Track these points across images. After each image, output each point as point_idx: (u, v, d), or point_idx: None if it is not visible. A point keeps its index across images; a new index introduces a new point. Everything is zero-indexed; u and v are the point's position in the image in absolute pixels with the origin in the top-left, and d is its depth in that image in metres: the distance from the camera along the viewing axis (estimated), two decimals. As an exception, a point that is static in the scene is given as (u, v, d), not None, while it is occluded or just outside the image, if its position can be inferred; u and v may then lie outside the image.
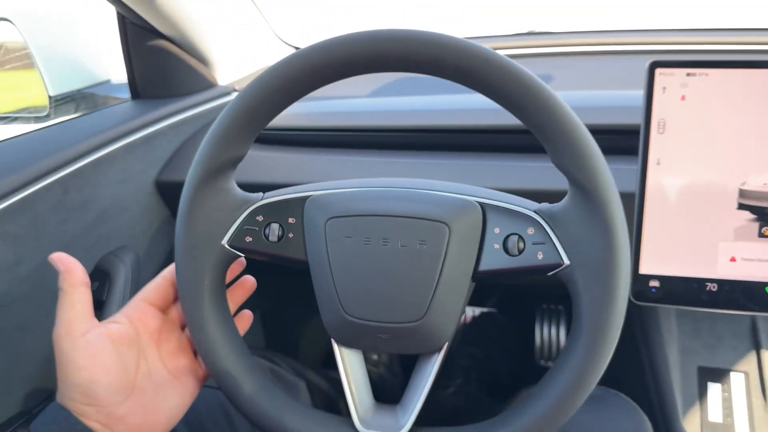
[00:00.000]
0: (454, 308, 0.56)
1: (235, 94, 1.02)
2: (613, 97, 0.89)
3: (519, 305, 1.39)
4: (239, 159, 0.58)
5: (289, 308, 1.38)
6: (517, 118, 0.53)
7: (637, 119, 0.72)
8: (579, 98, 0.90)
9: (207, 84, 1.07)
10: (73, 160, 0.82)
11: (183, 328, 0.64)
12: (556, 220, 0.55)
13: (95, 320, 0.57)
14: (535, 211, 0.56)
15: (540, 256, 0.55)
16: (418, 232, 0.55)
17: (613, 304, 0.52)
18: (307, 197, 0.59)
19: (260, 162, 0.94)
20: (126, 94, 1.05)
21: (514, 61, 0.51)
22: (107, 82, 1.09)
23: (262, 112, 0.55)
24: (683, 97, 0.71)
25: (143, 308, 0.60)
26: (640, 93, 0.72)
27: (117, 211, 0.90)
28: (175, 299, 0.64)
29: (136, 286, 0.90)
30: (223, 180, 0.59)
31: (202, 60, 1.05)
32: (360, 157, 0.92)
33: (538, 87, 0.51)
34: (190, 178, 0.58)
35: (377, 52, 0.51)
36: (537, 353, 1.36)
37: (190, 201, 0.58)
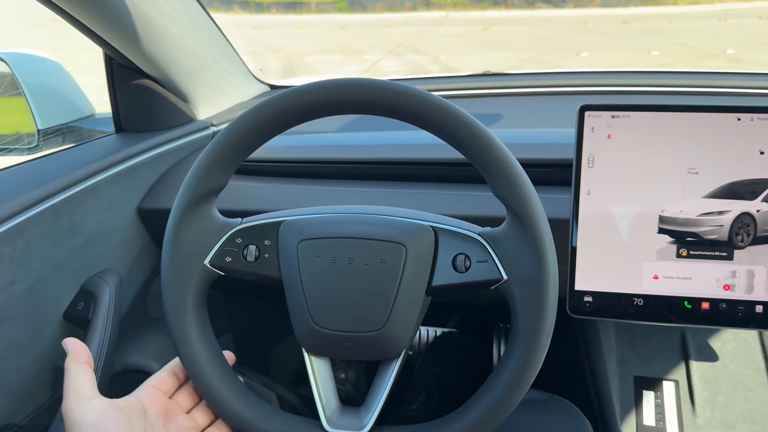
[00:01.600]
0: (411, 319, 0.63)
1: (212, 129, 1.11)
2: (550, 135, 1.00)
3: (478, 325, 1.48)
4: (221, 188, 0.66)
5: (261, 330, 1.43)
6: (461, 154, 0.62)
7: (571, 155, 0.83)
8: (521, 136, 1.01)
9: (187, 119, 1.12)
10: (63, 188, 0.86)
11: (188, 411, 0.66)
12: (496, 242, 0.63)
13: (101, 395, 0.58)
14: (479, 234, 0.63)
15: (483, 273, 0.63)
16: (378, 252, 0.61)
17: (544, 312, 0.60)
18: (281, 222, 0.65)
19: (239, 191, 1.01)
20: (109, 128, 1.11)
21: (460, 108, 0.60)
22: (91, 116, 1.15)
23: (242, 147, 0.63)
24: (609, 136, 0.82)
25: (150, 390, 0.63)
26: (572, 131, 0.82)
27: (102, 236, 0.95)
28: (179, 386, 0.67)
29: (119, 306, 0.95)
30: (206, 207, 0.67)
31: (183, 97, 1.10)
32: (328, 186, 1.00)
33: (479, 129, 0.60)
34: (176, 204, 0.65)
35: (343, 97, 0.60)
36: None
37: (176, 225, 0.65)
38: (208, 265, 0.64)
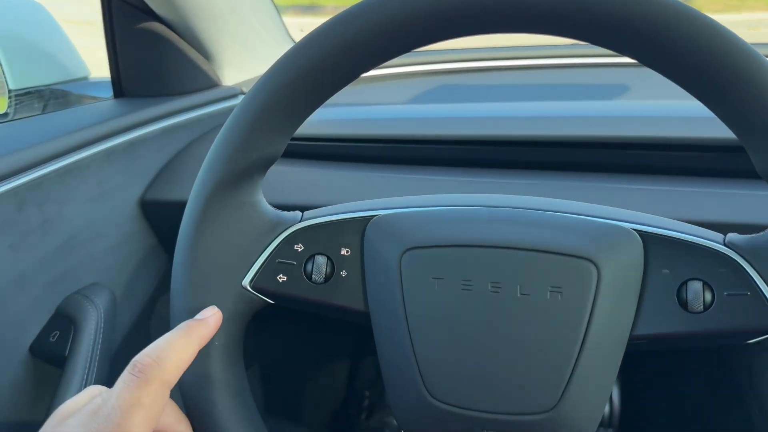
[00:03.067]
0: (602, 390, 0.41)
1: (242, 98, 0.84)
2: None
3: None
4: (271, 160, 0.43)
5: (294, 359, 1.16)
6: (704, 99, 0.37)
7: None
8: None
9: (209, 83, 0.90)
10: (32, 166, 0.63)
11: None
12: (761, 259, 0.38)
13: None
14: (725, 245, 0.40)
15: (738, 315, 0.39)
16: (549, 274, 0.40)
17: None
18: (369, 218, 0.44)
19: (282, 179, 0.75)
20: (108, 94, 0.86)
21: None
22: (85, 79, 0.89)
23: (314, 89, 0.40)
24: None
25: None
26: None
27: (89, 237, 0.72)
28: None
29: (110, 336, 0.71)
30: (248, 190, 0.43)
31: (206, 53, 0.88)
32: (423, 175, 0.72)
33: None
34: (201, 184, 0.42)
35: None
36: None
37: (199, 219, 0.42)
38: (249, 288, 0.43)
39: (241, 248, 0.43)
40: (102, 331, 0.69)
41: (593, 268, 0.39)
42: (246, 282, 0.43)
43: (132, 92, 0.84)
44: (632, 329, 0.40)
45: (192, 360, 0.37)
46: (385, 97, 0.94)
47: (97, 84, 0.90)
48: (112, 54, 0.82)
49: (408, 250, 0.41)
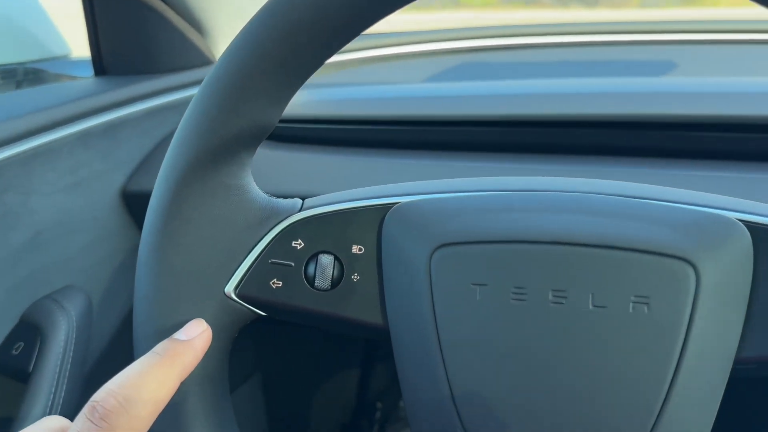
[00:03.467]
0: (700, 426, 0.31)
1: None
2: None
3: None
4: (262, 133, 0.34)
5: (298, 369, 1.06)
6: None
7: None
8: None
9: (202, 59, 0.79)
10: None
11: None
12: None
13: None
14: None
15: None
16: (632, 280, 0.30)
17: None
18: (388, 206, 0.35)
19: (275, 167, 0.65)
20: (89, 73, 0.76)
21: None
22: (64, 57, 0.79)
23: (318, 35, 0.30)
24: None
25: None
26: None
27: (61, 233, 0.62)
28: None
29: (83, 348, 0.61)
30: (233, 171, 0.34)
31: (199, 27, 0.78)
32: (447, 161, 0.62)
33: None
34: (170, 163, 0.33)
35: None
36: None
37: (169, 207, 0.33)
38: (234, 296, 0.34)
39: (224, 245, 0.33)
40: (74, 342, 0.60)
41: (690, 270, 0.30)
42: (230, 289, 0.33)
43: (114, 70, 0.75)
44: (739, 350, 0.31)
45: (170, 398, 0.28)
46: (399, 78, 0.84)
47: (79, 63, 0.81)
48: (91, 26, 0.72)
49: (440, 247, 0.32)
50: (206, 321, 0.32)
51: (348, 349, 1.05)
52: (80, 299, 0.62)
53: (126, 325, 0.71)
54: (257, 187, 0.35)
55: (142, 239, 0.34)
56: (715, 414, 0.30)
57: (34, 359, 0.58)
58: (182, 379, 0.29)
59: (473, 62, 0.87)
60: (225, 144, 0.31)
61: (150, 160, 0.70)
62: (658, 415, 0.29)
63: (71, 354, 0.59)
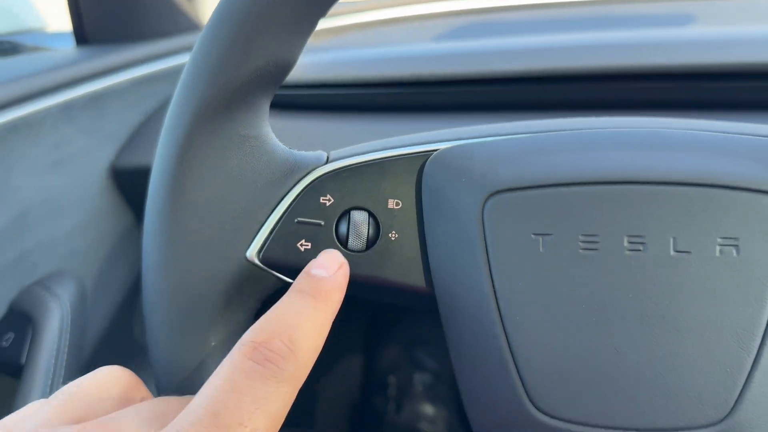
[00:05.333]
0: None
1: None
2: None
3: None
4: (281, 73, 0.30)
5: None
6: None
7: None
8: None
9: (188, 24, 0.75)
10: None
11: None
12: None
13: None
14: None
15: None
16: (718, 221, 0.27)
17: None
18: (428, 153, 0.31)
19: (287, 137, 0.59)
20: (69, 45, 0.71)
21: None
22: (40, 30, 0.74)
23: None
24: None
25: None
26: None
27: (47, 214, 0.57)
28: None
29: (79, 338, 0.57)
30: (250, 119, 0.30)
31: None
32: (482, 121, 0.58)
33: None
34: (177, 111, 0.29)
35: None
36: None
37: (178, 163, 0.29)
38: (257, 262, 0.30)
39: (243, 204, 0.29)
40: (69, 331, 0.55)
41: None
42: (252, 253, 0.29)
43: (97, 38, 0.69)
44: None
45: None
46: (406, 39, 0.79)
47: (57, 35, 0.76)
48: (69, -10, 0.67)
49: (494, 194, 0.28)
50: (227, 291, 0.28)
51: (351, 324, 1.01)
52: (72, 285, 0.58)
53: (123, 310, 0.66)
54: (276, 139, 0.31)
55: (148, 201, 0.29)
56: None
57: (26, 351, 0.53)
58: (332, 319, 0.25)
59: (481, 22, 0.82)
60: (239, 87, 0.27)
61: (140, 134, 0.65)
62: (749, 372, 0.26)
63: (67, 343, 0.55)
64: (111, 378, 0.25)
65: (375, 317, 1.03)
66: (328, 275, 0.26)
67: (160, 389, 0.31)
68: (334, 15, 0.87)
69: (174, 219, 0.28)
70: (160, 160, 0.29)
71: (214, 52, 0.27)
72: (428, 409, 1.02)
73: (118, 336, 0.65)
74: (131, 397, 0.25)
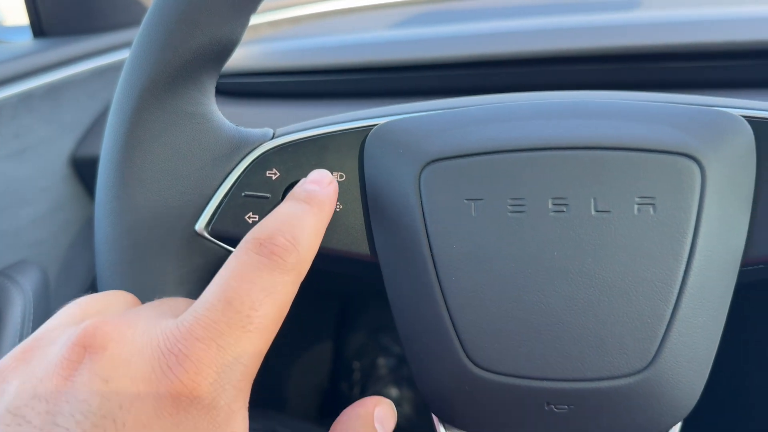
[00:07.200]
0: (710, 336, 0.29)
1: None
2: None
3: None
4: (225, 51, 0.31)
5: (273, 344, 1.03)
6: None
7: None
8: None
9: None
10: None
11: None
12: None
13: None
14: None
15: None
16: (635, 181, 0.29)
17: None
18: (368, 128, 0.32)
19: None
20: (26, 38, 0.70)
21: None
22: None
23: None
24: None
25: None
26: None
27: (8, 204, 0.58)
28: None
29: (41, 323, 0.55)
30: (196, 97, 0.31)
31: None
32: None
33: None
34: (125, 90, 0.30)
35: None
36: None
37: (126, 140, 0.30)
38: (206, 235, 0.31)
39: (191, 179, 0.30)
40: (32, 320, 0.56)
41: (695, 167, 0.28)
42: (201, 226, 0.30)
43: (55, 30, 0.69)
44: (746, 250, 0.29)
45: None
46: (358, 28, 0.81)
47: (13, 29, 0.75)
48: (25, -18, 0.66)
49: (429, 163, 0.30)
50: (177, 263, 0.30)
51: (319, 315, 1.02)
52: (35, 274, 0.58)
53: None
54: (222, 116, 0.32)
55: (99, 176, 0.30)
56: (724, 319, 0.29)
57: (-12, 340, 0.54)
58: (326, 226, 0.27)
59: (427, 11, 0.84)
60: (184, 64, 0.28)
61: (100, 124, 0.65)
62: (668, 322, 0.28)
63: (30, 333, 0.55)
64: (117, 295, 0.26)
65: (343, 306, 1.04)
66: (315, 187, 0.28)
67: None
68: (286, 6, 0.88)
69: (123, 194, 0.29)
70: (108, 137, 0.30)
71: (158, 31, 0.28)
72: (393, 391, 1.04)
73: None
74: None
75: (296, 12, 0.87)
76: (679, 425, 0.31)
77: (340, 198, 0.31)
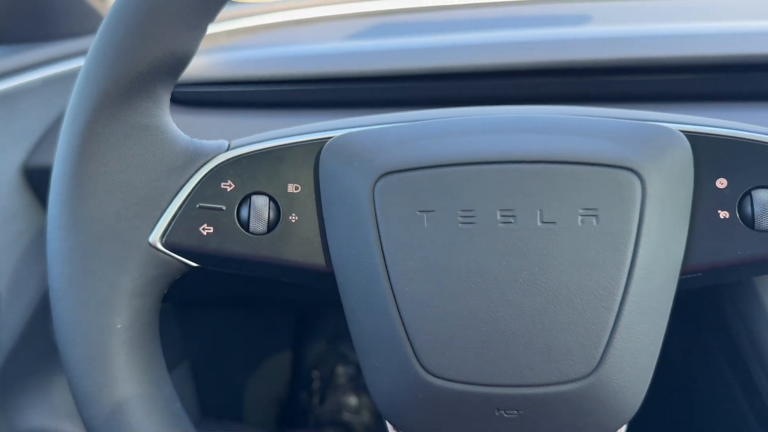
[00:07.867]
0: (652, 342, 0.31)
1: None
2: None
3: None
4: (179, 65, 0.32)
5: (228, 351, 1.02)
6: None
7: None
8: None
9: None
10: None
11: None
12: None
13: None
14: None
15: None
16: (578, 194, 0.30)
17: None
18: (323, 141, 0.33)
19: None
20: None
21: None
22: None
23: None
24: None
25: None
26: None
27: None
28: None
29: None
30: (150, 109, 0.31)
31: None
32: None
33: None
34: (78, 102, 0.30)
35: None
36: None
37: (80, 152, 0.30)
38: (160, 246, 0.32)
39: (144, 191, 0.30)
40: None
41: (636, 180, 0.30)
42: (155, 238, 0.31)
43: (7, 38, 0.68)
44: (685, 259, 0.31)
45: None
46: (319, 39, 0.81)
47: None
48: (-24, -11, 0.65)
49: (383, 176, 0.30)
50: (131, 276, 0.30)
51: (276, 324, 1.02)
52: (-16, 287, 0.57)
53: (38, 311, 0.65)
54: (177, 128, 0.32)
55: (51, 189, 0.30)
56: (665, 326, 0.31)
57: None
58: None
59: (388, 23, 0.85)
60: (138, 76, 0.29)
61: (52, 133, 0.64)
62: (612, 329, 0.29)
63: (-22, 345, 0.54)
64: None
65: (302, 316, 1.04)
66: None
67: (67, 372, 0.31)
68: (244, 15, 0.88)
69: (76, 207, 0.29)
70: (61, 149, 0.30)
71: (113, 43, 0.28)
72: (352, 399, 1.05)
73: (34, 336, 0.64)
74: None
75: (255, 21, 0.87)
76: (624, 428, 0.32)
77: (296, 210, 0.32)
